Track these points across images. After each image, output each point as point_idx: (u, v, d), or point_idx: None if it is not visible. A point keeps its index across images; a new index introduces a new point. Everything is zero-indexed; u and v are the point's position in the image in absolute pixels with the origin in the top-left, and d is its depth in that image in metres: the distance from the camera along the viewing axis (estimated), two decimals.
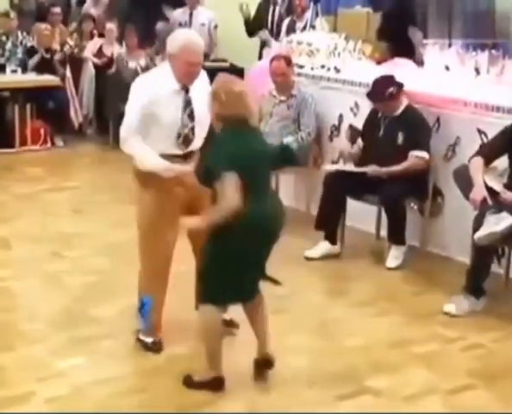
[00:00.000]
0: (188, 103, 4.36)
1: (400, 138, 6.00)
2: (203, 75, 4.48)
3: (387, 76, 6.13)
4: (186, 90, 4.36)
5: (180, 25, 9.89)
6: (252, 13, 9.57)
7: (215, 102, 3.96)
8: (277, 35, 9.06)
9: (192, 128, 4.38)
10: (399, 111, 6.05)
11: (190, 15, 9.98)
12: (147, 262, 4.49)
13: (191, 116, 4.37)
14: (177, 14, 10.15)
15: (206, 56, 9.21)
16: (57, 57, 9.79)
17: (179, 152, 4.38)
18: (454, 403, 4.13)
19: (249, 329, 4.33)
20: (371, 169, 5.93)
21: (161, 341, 4.55)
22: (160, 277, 4.51)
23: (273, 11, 9.34)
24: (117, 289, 5.24)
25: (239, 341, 4.65)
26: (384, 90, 5.99)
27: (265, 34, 9.28)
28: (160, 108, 4.27)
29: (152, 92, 4.27)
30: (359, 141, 6.35)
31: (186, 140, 4.38)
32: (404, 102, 6.07)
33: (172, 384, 4.18)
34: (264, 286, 5.46)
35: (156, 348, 4.52)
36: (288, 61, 6.95)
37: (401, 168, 5.90)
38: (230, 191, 3.77)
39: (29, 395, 4.00)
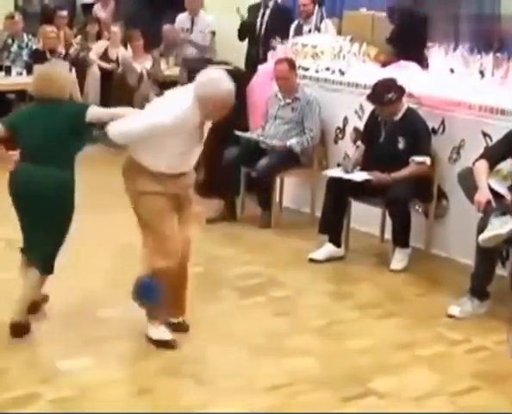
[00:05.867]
0: None
1: (401, 143, 6.01)
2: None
3: (389, 80, 6.08)
4: None
5: (183, 30, 10.08)
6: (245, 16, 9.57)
7: None
8: (264, 39, 9.06)
9: None
10: (399, 116, 6.05)
11: (192, 21, 10.09)
12: None
13: None
14: (182, 18, 10.23)
15: (210, 60, 9.30)
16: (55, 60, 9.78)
17: None
18: (459, 405, 4.13)
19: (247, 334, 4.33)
20: (374, 177, 5.94)
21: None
22: None
23: (263, 14, 9.34)
24: (123, 290, 5.25)
25: (238, 342, 4.67)
26: (383, 94, 5.96)
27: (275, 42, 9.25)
28: None
29: None
30: (360, 145, 6.36)
31: None
32: (404, 106, 6.08)
33: (177, 385, 4.19)
34: (263, 287, 5.51)
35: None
36: (291, 64, 6.96)
37: (403, 174, 5.91)
38: None
39: (34, 396, 4.01)
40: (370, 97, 6.12)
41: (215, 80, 4.37)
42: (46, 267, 4.68)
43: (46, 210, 4.58)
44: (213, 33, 10.13)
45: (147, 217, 4.50)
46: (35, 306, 4.82)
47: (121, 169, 4.58)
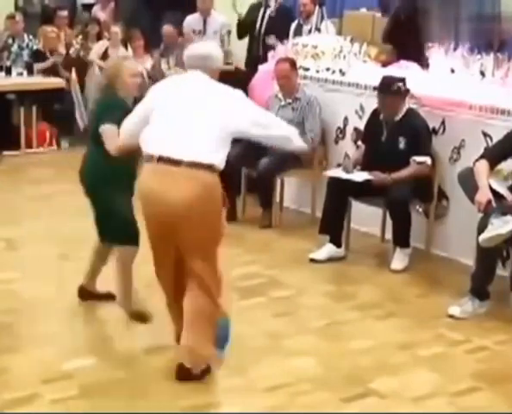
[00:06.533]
0: None
1: (401, 143, 6.01)
2: None
3: (398, 76, 6.16)
4: None
5: (194, 32, 9.68)
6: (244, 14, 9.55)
7: None
8: (263, 38, 9.04)
9: None
10: (400, 115, 6.05)
11: (204, 22, 9.63)
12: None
13: None
14: (191, 20, 9.78)
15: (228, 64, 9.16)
16: (55, 58, 9.80)
17: None
18: (459, 405, 4.13)
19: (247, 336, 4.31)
20: (375, 177, 5.94)
21: None
22: None
23: (263, 13, 9.33)
24: None
25: (238, 342, 4.68)
26: (392, 83, 6.01)
27: (272, 39, 9.20)
28: None
29: None
30: (361, 145, 6.37)
31: None
32: (406, 106, 6.08)
33: (177, 385, 4.19)
34: (264, 288, 5.50)
35: None
36: (292, 64, 6.97)
37: (404, 174, 5.91)
38: None
39: (35, 396, 4.02)
40: (378, 87, 6.11)
41: (214, 48, 4.45)
42: (114, 240, 4.92)
43: (88, 186, 4.93)
44: (229, 32, 9.66)
45: (219, 234, 4.29)
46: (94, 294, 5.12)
47: (202, 191, 4.14)
